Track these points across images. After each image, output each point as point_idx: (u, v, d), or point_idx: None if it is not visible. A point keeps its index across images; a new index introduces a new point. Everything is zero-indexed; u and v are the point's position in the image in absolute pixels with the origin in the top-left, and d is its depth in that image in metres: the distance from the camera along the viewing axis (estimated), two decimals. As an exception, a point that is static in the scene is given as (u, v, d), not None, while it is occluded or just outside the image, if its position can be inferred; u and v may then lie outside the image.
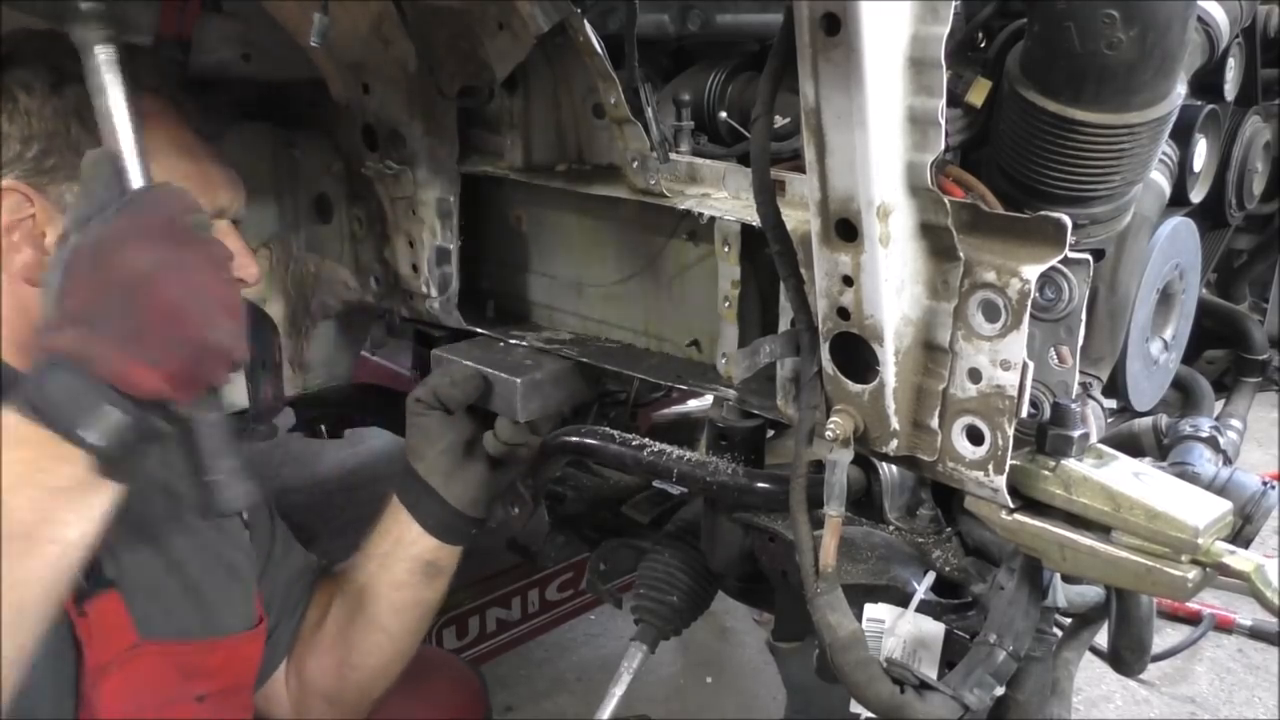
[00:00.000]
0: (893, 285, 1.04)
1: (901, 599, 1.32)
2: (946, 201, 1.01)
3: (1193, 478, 1.29)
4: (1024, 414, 1.05)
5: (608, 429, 1.58)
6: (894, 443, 1.13)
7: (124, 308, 0.99)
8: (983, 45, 1.22)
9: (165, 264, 1.02)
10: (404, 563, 1.54)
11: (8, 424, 0.96)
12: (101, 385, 0.98)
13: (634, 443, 1.54)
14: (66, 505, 0.96)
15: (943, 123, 0.97)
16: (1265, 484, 1.29)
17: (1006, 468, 1.07)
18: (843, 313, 1.09)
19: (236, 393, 2.04)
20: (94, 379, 0.98)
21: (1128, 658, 1.45)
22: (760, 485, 1.45)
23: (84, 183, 1.09)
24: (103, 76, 1.11)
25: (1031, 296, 1.00)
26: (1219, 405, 1.74)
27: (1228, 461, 1.42)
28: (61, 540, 0.96)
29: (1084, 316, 1.06)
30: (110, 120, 1.11)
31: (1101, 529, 1.07)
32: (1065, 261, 1.00)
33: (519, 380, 1.52)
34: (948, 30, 0.94)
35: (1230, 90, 1.49)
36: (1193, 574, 1.02)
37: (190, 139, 1.32)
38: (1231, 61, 1.46)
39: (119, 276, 1.01)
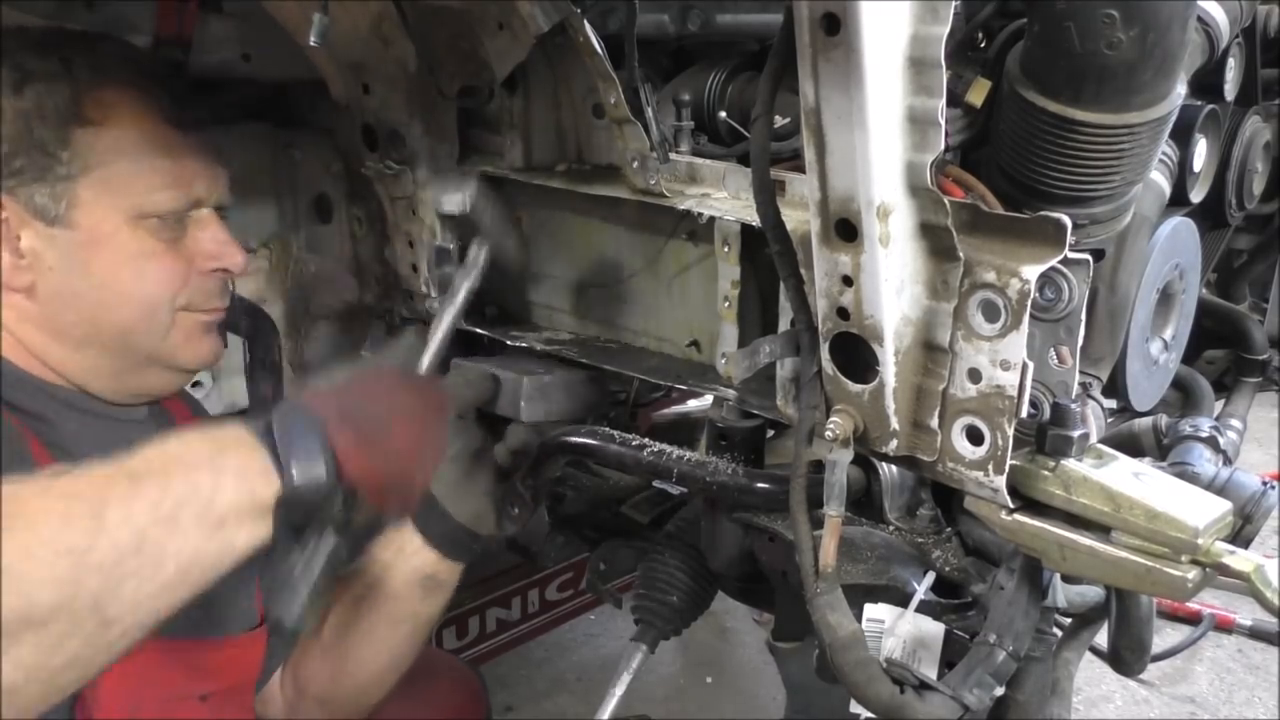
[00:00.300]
0: (893, 285, 1.04)
1: (901, 599, 1.32)
2: (946, 201, 1.01)
3: (1193, 478, 1.29)
4: (1024, 414, 1.05)
5: (608, 429, 1.58)
6: (894, 443, 1.13)
7: (380, 420, 1.14)
8: (983, 45, 1.22)
9: (425, 420, 1.21)
10: (403, 574, 1.51)
11: (238, 432, 1.05)
12: (327, 446, 1.07)
13: (634, 443, 1.54)
14: (250, 516, 1.00)
15: (943, 123, 0.97)
16: (1265, 484, 1.29)
17: (1006, 468, 1.07)
18: (843, 313, 1.09)
19: (236, 393, 2.05)
20: (324, 438, 1.07)
21: (1128, 658, 1.45)
22: (760, 485, 1.45)
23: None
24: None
25: (1031, 296, 1.00)
26: (1219, 405, 1.74)
27: (1228, 461, 1.42)
28: (232, 542, 0.98)
29: (1084, 316, 1.06)
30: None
31: (1101, 529, 1.07)
32: (1065, 261, 1.00)
33: (525, 379, 1.52)
34: (948, 30, 0.94)
35: (1230, 90, 1.49)
36: (1193, 574, 1.02)
37: (160, 131, 1.28)
38: (1231, 61, 1.46)
39: (391, 402, 1.18)
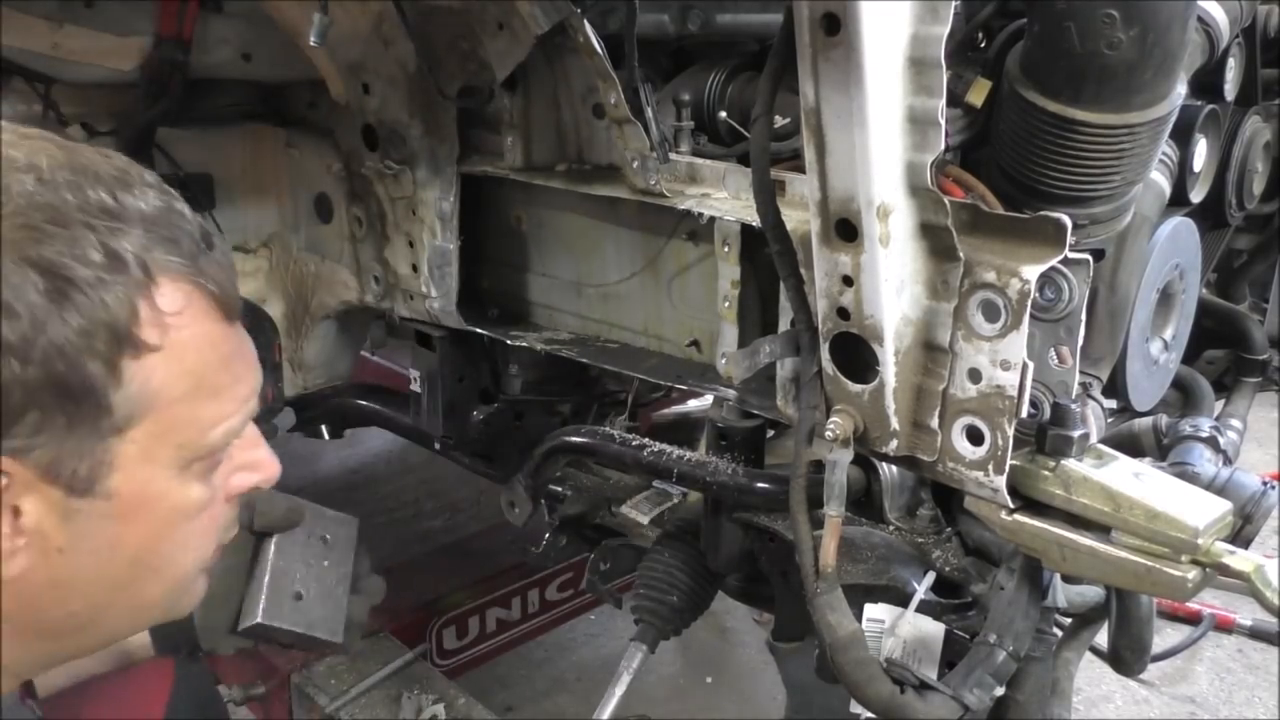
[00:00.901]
0: (893, 285, 1.04)
1: (901, 599, 1.32)
2: (946, 201, 1.01)
3: (1193, 478, 1.29)
4: (1024, 414, 1.05)
5: (607, 429, 1.58)
6: (894, 443, 1.13)
7: None
8: (983, 45, 1.22)
9: None
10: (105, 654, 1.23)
11: None
12: None
13: (634, 443, 1.54)
14: None
15: (943, 123, 0.97)
16: (1265, 484, 1.28)
17: (1006, 468, 1.07)
18: (843, 313, 1.09)
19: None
20: None
21: (1128, 658, 1.45)
22: (760, 485, 1.45)
23: None
24: None
25: (1031, 296, 1.00)
26: (1219, 405, 1.73)
27: (1228, 461, 1.42)
28: None
29: (1084, 316, 1.06)
30: None
31: (1101, 529, 1.07)
32: (1065, 261, 1.00)
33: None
34: (948, 30, 0.94)
35: (1230, 90, 1.49)
36: (1193, 574, 1.02)
37: (221, 335, 0.88)
38: (1231, 61, 1.46)
39: None
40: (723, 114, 1.52)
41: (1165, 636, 3.07)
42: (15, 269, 0.74)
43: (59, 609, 0.87)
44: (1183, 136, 1.36)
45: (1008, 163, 1.14)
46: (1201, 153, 1.43)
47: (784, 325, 1.28)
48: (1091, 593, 1.41)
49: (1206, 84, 1.44)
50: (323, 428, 2.52)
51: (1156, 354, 1.44)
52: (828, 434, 1.14)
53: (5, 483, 0.79)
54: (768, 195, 1.15)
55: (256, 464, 0.97)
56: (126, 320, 0.79)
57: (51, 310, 0.75)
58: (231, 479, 0.95)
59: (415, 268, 1.78)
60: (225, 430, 0.89)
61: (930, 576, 1.34)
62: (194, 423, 0.86)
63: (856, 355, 1.12)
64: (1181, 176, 1.40)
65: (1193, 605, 3.11)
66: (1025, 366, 1.03)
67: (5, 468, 0.78)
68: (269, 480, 0.99)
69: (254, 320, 2.03)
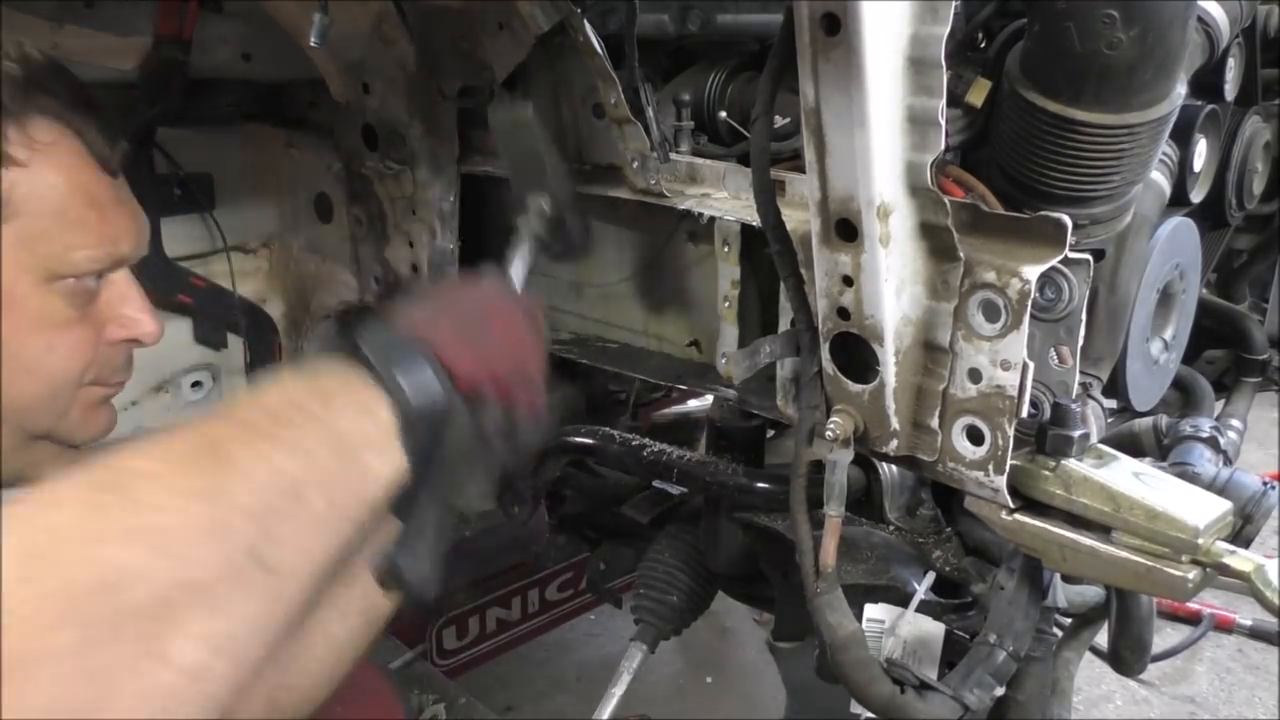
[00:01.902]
0: (893, 285, 1.04)
1: (901, 599, 1.32)
2: (946, 201, 1.01)
3: (1193, 478, 1.29)
4: (1024, 414, 1.05)
5: (607, 429, 1.58)
6: (894, 443, 1.13)
7: (472, 316, 1.06)
8: (983, 45, 1.22)
9: (514, 312, 1.10)
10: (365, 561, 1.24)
11: (331, 368, 0.94)
12: (428, 355, 0.97)
13: (634, 443, 1.54)
14: (379, 443, 0.92)
15: (943, 123, 0.97)
16: (1265, 484, 1.28)
17: (1006, 468, 1.07)
18: (843, 313, 1.09)
19: (236, 393, 2.05)
20: (424, 347, 0.97)
21: (1128, 658, 1.45)
22: (760, 485, 1.45)
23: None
24: None
25: (1031, 296, 1.00)
26: (1219, 405, 1.73)
27: (1228, 461, 1.42)
28: (372, 469, 0.90)
29: (1084, 316, 1.06)
30: None
31: (1101, 529, 1.07)
32: (1065, 261, 1.00)
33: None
34: (948, 30, 0.94)
35: (1230, 90, 1.49)
36: (1193, 574, 1.02)
37: (91, 177, 1.08)
38: (1231, 61, 1.46)
39: (474, 304, 1.08)
40: (723, 114, 1.52)
41: (1165, 636, 3.08)
42: None
43: None
44: (1183, 136, 1.36)
45: (1008, 163, 1.14)
46: (1201, 153, 1.43)
47: (784, 325, 1.28)
48: (1091, 593, 1.41)
49: (1206, 84, 1.44)
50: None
51: (1156, 354, 1.44)
52: (828, 434, 1.14)
53: None
54: (768, 195, 1.15)
55: (136, 324, 1.12)
56: None
57: None
58: (108, 326, 1.11)
59: (415, 268, 1.78)
60: (87, 258, 1.06)
61: (930, 576, 1.34)
62: (57, 240, 1.04)
63: (856, 355, 1.12)
64: (1181, 176, 1.40)
65: (1193, 605, 3.12)
66: (1025, 366, 1.03)
67: None
68: (147, 337, 1.14)
69: (254, 320, 2.03)
